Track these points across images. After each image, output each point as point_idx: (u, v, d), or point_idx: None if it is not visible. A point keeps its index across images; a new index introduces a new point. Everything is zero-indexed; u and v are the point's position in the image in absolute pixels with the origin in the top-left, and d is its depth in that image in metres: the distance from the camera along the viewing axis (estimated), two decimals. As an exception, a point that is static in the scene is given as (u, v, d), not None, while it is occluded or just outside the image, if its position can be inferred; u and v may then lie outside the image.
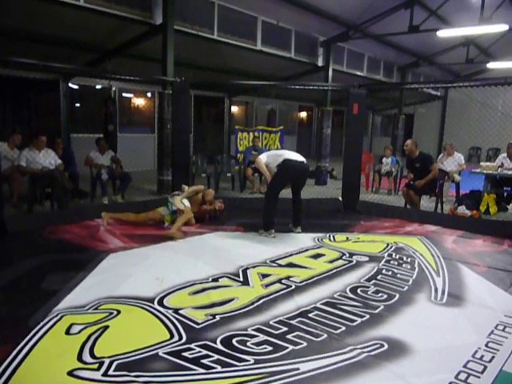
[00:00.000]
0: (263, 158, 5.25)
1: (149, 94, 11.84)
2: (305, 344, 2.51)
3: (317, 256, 4.31)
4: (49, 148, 6.36)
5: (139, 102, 11.94)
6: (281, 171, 5.02)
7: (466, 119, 14.87)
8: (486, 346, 2.54)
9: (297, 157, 5.14)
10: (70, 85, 10.00)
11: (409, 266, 4.05)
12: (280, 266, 3.98)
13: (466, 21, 9.11)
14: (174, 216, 5.22)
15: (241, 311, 2.93)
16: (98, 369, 2.17)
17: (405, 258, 4.29)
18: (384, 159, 9.17)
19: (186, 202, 5.36)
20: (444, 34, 9.49)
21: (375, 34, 11.07)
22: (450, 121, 17.16)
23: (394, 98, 16.21)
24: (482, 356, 2.42)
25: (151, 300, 3.06)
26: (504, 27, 8.64)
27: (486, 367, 2.30)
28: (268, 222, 5.09)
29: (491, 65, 13.11)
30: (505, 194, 7.16)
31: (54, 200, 6.08)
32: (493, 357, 2.41)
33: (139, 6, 7.46)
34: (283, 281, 3.55)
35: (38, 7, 6.81)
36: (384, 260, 4.21)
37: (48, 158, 6.22)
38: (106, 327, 2.62)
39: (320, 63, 11.47)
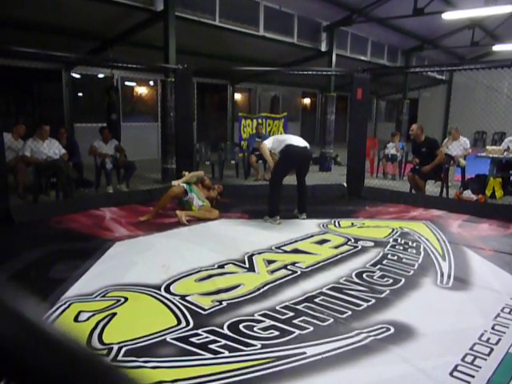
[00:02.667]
0: (268, 143, 5.21)
1: (151, 83, 11.78)
2: (311, 328, 2.52)
3: (322, 242, 4.32)
4: (52, 138, 6.37)
5: (142, 90, 11.89)
6: (284, 157, 5.00)
7: (472, 103, 14.70)
8: (493, 328, 2.54)
9: (299, 142, 5.11)
10: (72, 74, 9.96)
11: (414, 251, 4.05)
12: (285, 252, 3.99)
13: (472, 2, 8.94)
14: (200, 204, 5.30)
15: (247, 297, 2.95)
16: (107, 355, 2.19)
17: (410, 243, 4.29)
18: (390, 144, 9.13)
19: (200, 202, 5.34)
20: (449, 16, 9.34)
21: (379, 18, 10.90)
22: (455, 105, 16.96)
23: (398, 83, 16.05)
24: (489, 339, 2.42)
25: (158, 287, 3.08)
26: (510, 8, 8.50)
27: (492, 349, 2.31)
28: (273, 208, 5.09)
29: (497, 47, 12.93)
30: (511, 178, 7.12)
31: (59, 190, 6.10)
32: (499, 339, 2.42)
33: (140, -8, 7.39)
34: (289, 267, 3.56)
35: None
36: (389, 245, 4.21)
37: (52, 148, 6.23)
38: (114, 314, 2.65)
39: (323, 48, 11.35)
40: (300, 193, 5.33)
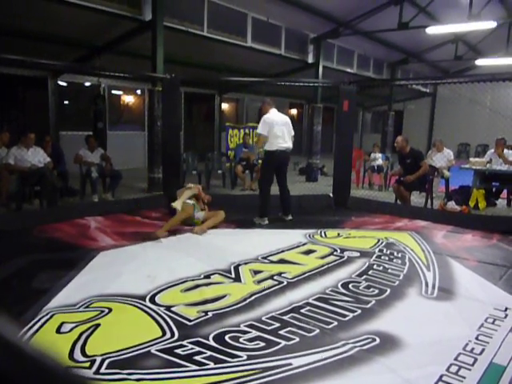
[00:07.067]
0: (261, 130, 5.38)
1: (138, 91, 11.76)
2: (297, 339, 2.51)
3: (308, 252, 4.32)
4: (37, 146, 6.29)
5: (129, 99, 11.85)
6: (265, 160, 5.41)
7: (455, 115, 15.00)
8: (477, 338, 2.56)
9: (284, 141, 5.38)
10: (59, 82, 9.88)
11: (399, 261, 4.07)
12: (272, 262, 3.98)
13: (455, 18, 9.17)
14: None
15: (233, 308, 2.93)
16: (90, 367, 2.15)
17: (395, 253, 4.32)
18: (372, 154, 9.28)
19: (199, 214, 5.30)
20: (433, 30, 9.54)
21: (365, 31, 11.10)
22: (440, 117, 17.29)
23: (383, 95, 16.29)
24: (473, 349, 2.44)
25: (143, 298, 3.04)
26: (492, 24, 8.72)
27: (476, 360, 2.32)
28: (262, 210, 5.42)
29: (479, 61, 13.20)
30: (493, 190, 7.25)
31: (44, 198, 6.02)
32: (483, 349, 2.43)
33: (128, 1, 7.39)
34: (275, 277, 3.55)
35: (24, 2, 6.73)
36: (375, 255, 4.23)
37: (37, 156, 6.15)
38: (98, 325, 2.60)
39: (310, 60, 11.48)
40: (282, 193, 5.39)
